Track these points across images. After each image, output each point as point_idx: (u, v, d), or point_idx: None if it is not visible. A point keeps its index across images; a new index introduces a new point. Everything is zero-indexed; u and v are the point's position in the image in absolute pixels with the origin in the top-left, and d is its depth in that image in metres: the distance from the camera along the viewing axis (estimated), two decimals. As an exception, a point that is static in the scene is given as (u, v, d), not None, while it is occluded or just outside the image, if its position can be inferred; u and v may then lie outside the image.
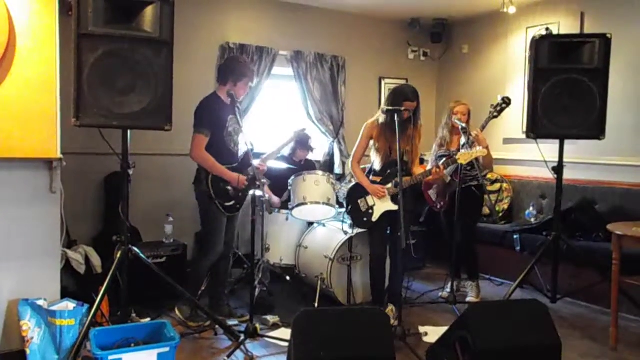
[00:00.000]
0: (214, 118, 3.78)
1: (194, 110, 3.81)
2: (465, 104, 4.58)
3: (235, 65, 3.93)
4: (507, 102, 4.28)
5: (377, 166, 4.03)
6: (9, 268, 3.16)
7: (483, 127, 4.33)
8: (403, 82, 6.47)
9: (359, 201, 4.03)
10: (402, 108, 3.73)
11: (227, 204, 3.84)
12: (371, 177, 4.04)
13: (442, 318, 4.16)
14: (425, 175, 3.90)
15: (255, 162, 3.92)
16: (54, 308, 3.13)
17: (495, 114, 4.30)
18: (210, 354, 3.49)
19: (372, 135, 4.00)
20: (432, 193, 4.70)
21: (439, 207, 4.66)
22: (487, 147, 4.25)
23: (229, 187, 3.83)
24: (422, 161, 5.92)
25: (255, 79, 4.07)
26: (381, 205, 3.95)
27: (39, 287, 3.24)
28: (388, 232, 4.01)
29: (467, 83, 6.57)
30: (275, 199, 4.76)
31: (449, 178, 4.41)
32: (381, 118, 3.92)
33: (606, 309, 4.04)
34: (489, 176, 5.74)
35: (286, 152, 5.11)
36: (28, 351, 3.02)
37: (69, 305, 3.20)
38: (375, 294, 4.06)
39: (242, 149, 3.99)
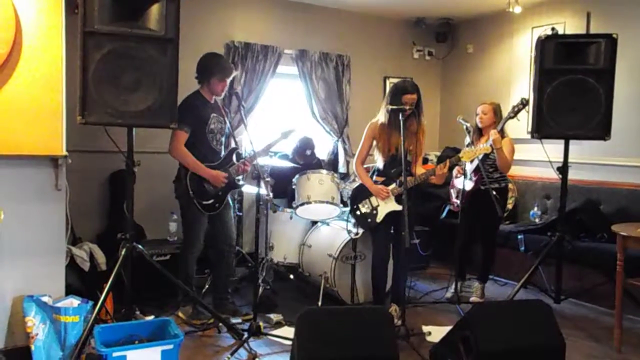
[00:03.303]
0: (194, 115, 3.77)
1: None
2: (490, 103, 4.53)
3: (206, 63, 3.87)
4: (524, 103, 4.24)
5: (381, 166, 4.01)
6: (14, 265, 3.18)
7: (500, 129, 4.30)
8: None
9: (363, 202, 4.00)
10: (407, 107, 3.71)
11: (204, 202, 3.83)
12: (375, 177, 4.02)
13: (446, 318, 4.16)
14: (430, 175, 3.88)
15: (238, 160, 3.92)
16: (58, 305, 3.14)
17: (512, 114, 4.26)
18: (213, 352, 3.49)
19: (375, 135, 3.97)
20: (452, 192, 4.70)
21: (456, 206, 4.65)
22: (500, 149, 4.22)
23: (208, 186, 3.82)
24: (425, 161, 5.92)
25: (233, 72, 3.98)
26: (385, 206, 3.93)
27: (43, 283, 3.25)
28: (391, 231, 3.99)
29: (472, 83, 6.55)
30: None
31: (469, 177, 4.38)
32: (383, 117, 3.91)
33: (610, 309, 4.02)
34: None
35: (289, 151, 5.12)
36: (33, 347, 3.03)
37: (74, 302, 3.21)
38: (376, 295, 4.06)
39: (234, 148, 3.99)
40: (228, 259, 4.12)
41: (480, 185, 4.39)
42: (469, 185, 4.41)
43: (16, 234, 3.17)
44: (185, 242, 3.99)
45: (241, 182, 4.02)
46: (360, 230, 4.11)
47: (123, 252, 3.26)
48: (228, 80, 3.93)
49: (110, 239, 3.97)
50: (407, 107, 3.72)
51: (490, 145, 4.03)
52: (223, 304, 4.06)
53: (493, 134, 4.22)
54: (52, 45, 3.10)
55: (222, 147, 3.98)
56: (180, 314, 3.95)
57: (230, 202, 4.08)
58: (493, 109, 4.49)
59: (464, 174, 4.35)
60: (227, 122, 3.98)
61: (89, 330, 3.03)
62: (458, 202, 4.57)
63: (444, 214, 5.58)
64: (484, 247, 4.64)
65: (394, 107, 3.73)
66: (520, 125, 5.53)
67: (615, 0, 5.06)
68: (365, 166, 4.10)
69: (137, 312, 3.69)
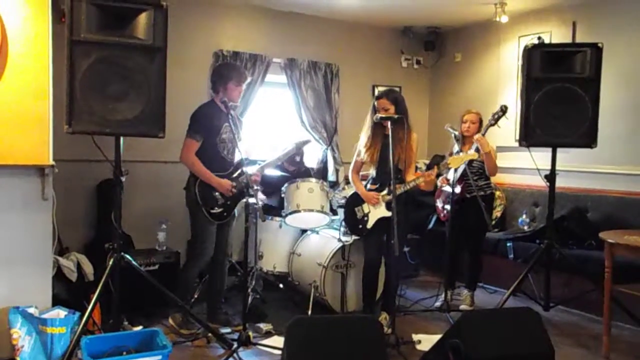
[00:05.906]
0: (207, 124, 3.79)
1: (187, 117, 3.83)
2: (476, 112, 4.59)
3: (220, 70, 3.95)
4: (503, 110, 4.31)
5: (374, 174, 4.07)
6: (-1, 275, 3.14)
7: (482, 136, 4.34)
8: (396, 89, 6.50)
9: (356, 209, 4.05)
10: (380, 115, 3.78)
11: (213, 211, 3.82)
12: (369, 186, 4.07)
13: (436, 326, 4.15)
14: (419, 182, 3.90)
15: (251, 171, 3.92)
16: (45, 316, 3.10)
17: (493, 122, 4.34)
18: (202, 363, 3.47)
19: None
20: (439, 201, 4.72)
21: (442, 215, 4.67)
22: (489, 152, 4.30)
23: (217, 194, 3.82)
24: (415, 169, 5.93)
25: (247, 78, 4.08)
26: (375, 212, 3.96)
27: (30, 294, 3.21)
28: (384, 239, 4.00)
29: (459, 91, 6.59)
30: None
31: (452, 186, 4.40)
32: (368, 126, 3.98)
33: (598, 316, 4.05)
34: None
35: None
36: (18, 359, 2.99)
37: (60, 313, 3.18)
38: (366, 301, 4.05)
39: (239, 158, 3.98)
40: (224, 268, 4.11)
41: (467, 193, 4.43)
42: (455, 192, 4.43)
43: (2, 244, 3.14)
44: (193, 252, 3.98)
45: (256, 188, 4.00)
46: (353, 238, 4.11)
47: (110, 262, 3.22)
48: (243, 86, 3.98)
49: (98, 248, 3.91)
50: (381, 115, 3.78)
51: (476, 151, 4.08)
52: (216, 313, 4.03)
53: (479, 138, 4.27)
54: (39, 53, 3.09)
55: (232, 156, 3.98)
56: (170, 321, 3.91)
57: (236, 212, 4.06)
58: (479, 118, 4.56)
59: (451, 184, 4.36)
60: (239, 131, 3.98)
61: (75, 341, 2.99)
62: (446, 210, 4.59)
63: (432, 224, 5.60)
64: (471, 255, 4.65)
65: (373, 114, 3.85)
66: (508, 133, 5.58)
67: (600, 10, 5.12)
68: (362, 173, 4.16)
69: (125, 323, 3.66)
